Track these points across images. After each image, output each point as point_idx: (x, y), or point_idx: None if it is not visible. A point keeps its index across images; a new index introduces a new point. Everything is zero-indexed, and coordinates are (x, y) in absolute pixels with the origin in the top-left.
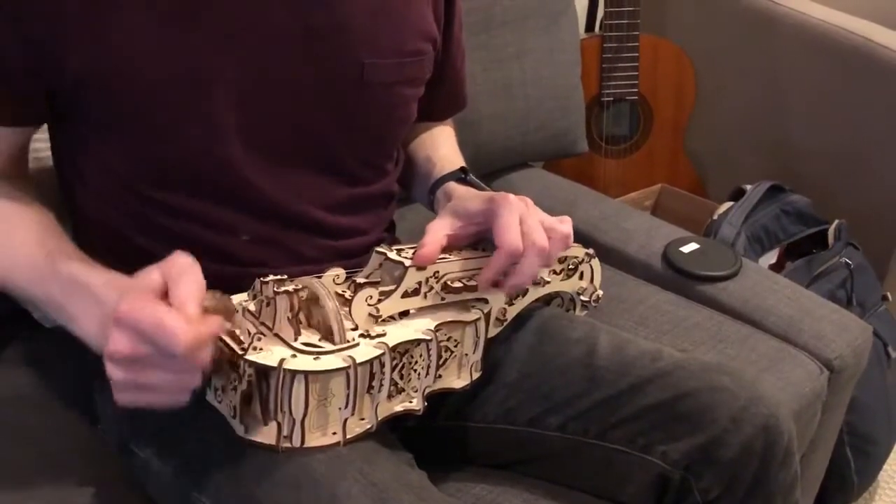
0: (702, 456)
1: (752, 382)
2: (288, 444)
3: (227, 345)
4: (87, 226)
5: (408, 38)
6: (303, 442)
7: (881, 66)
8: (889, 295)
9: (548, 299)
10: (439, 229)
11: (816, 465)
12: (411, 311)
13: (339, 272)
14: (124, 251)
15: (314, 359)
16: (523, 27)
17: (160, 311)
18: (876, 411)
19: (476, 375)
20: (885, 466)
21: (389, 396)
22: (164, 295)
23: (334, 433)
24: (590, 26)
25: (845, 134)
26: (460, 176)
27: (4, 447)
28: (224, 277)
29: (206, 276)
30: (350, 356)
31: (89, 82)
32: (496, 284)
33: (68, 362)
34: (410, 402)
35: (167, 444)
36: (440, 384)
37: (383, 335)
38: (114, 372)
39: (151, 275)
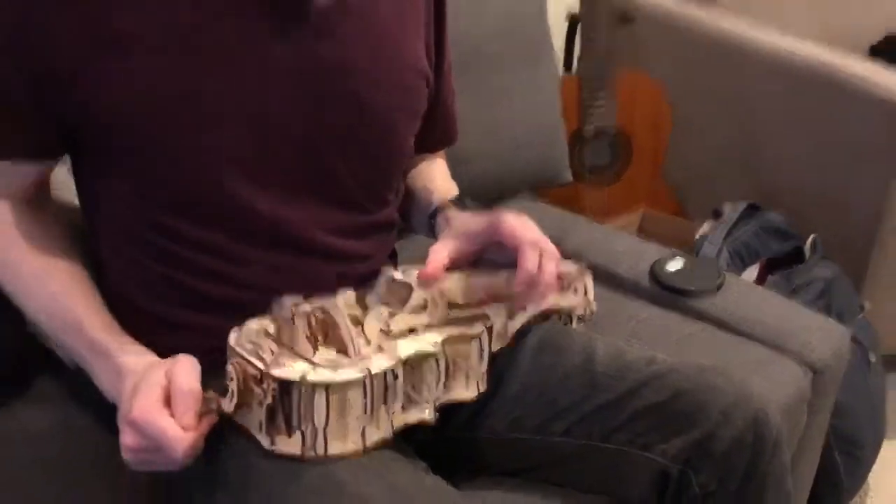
0: (698, 451)
1: (740, 381)
2: (312, 454)
3: (252, 364)
4: (107, 251)
5: (404, 73)
6: (325, 450)
7: (844, 90)
8: (866, 304)
9: (545, 315)
10: (442, 250)
11: (806, 465)
12: (419, 328)
13: (350, 294)
14: (143, 278)
15: (333, 371)
16: (507, 69)
17: (164, 424)
18: (861, 414)
19: (483, 388)
20: (875, 468)
21: (403, 408)
22: (168, 396)
23: (353, 442)
24: (567, 65)
25: (814, 154)
26: (459, 203)
27: (33, 478)
28: (239, 303)
29: (221, 305)
30: (366, 368)
31: (100, 117)
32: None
33: (92, 398)
34: (423, 413)
35: (197, 461)
36: (450, 396)
37: (395, 349)
38: (125, 453)
39: (157, 376)
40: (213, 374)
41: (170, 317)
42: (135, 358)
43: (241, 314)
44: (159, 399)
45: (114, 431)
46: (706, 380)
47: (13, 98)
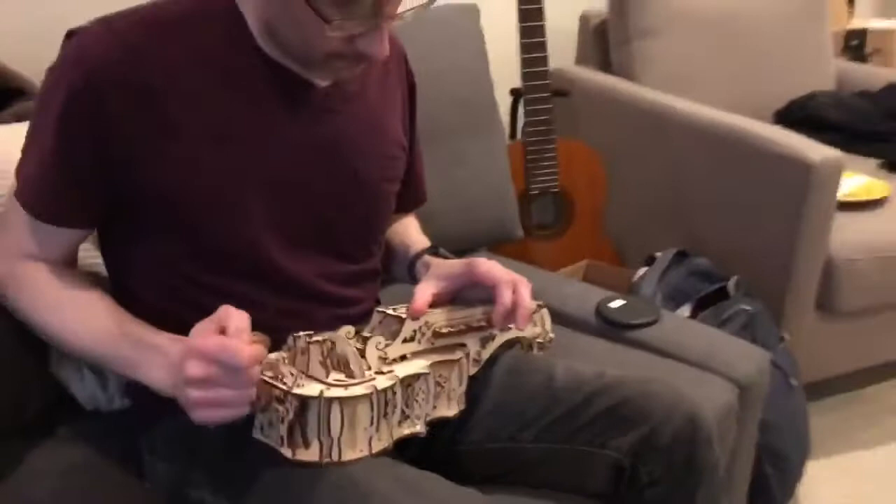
0: (645, 445)
1: (677, 388)
2: (328, 460)
3: (275, 386)
4: (130, 300)
5: (387, 147)
6: (340, 457)
7: (755, 151)
8: (785, 335)
9: (510, 344)
10: (426, 289)
11: (740, 475)
12: (409, 355)
13: (350, 329)
14: (166, 322)
15: (344, 389)
16: (463, 138)
17: (223, 338)
18: (785, 431)
19: (462, 406)
20: (803, 485)
21: (399, 422)
22: (221, 332)
23: (361, 451)
24: (512, 134)
25: (732, 206)
26: (434, 251)
27: None
28: None
29: None
30: (372, 385)
31: (154, 193)
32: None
33: (112, 437)
34: (415, 426)
35: (219, 478)
36: (436, 413)
37: (393, 371)
38: (192, 393)
39: (206, 322)
40: None
41: None
42: (179, 340)
43: None
44: (214, 331)
45: (127, 464)
46: (649, 387)
47: (81, 176)
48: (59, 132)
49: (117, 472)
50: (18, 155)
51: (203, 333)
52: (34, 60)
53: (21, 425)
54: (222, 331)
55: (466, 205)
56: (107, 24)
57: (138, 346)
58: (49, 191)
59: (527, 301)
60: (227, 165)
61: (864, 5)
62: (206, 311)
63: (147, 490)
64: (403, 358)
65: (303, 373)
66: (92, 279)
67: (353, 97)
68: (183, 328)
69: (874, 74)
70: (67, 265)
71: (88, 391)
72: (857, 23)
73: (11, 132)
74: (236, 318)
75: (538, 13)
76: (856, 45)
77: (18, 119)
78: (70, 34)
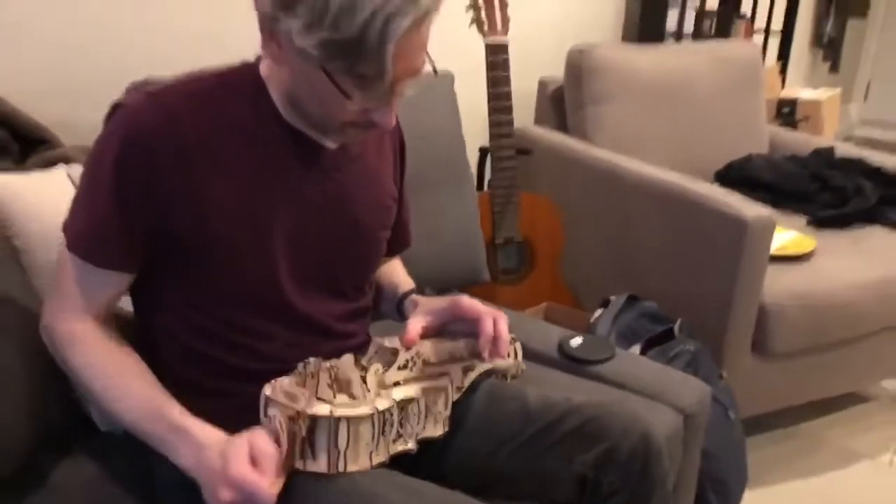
0: (605, 460)
1: (633, 410)
2: (335, 470)
3: (290, 407)
4: (157, 334)
5: (382, 199)
6: (345, 468)
7: (696, 207)
8: (724, 373)
9: (488, 374)
10: (416, 323)
11: (685, 496)
12: (402, 381)
13: (351, 357)
14: (188, 354)
15: (350, 409)
16: (439, 190)
17: (258, 479)
18: (725, 460)
19: (446, 428)
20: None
21: (394, 440)
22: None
23: (362, 464)
24: (479, 186)
25: (677, 255)
26: (420, 290)
27: None
28: (261, 373)
29: (248, 374)
30: (374, 406)
31: (183, 238)
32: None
33: (125, 455)
34: (406, 444)
35: None
36: (425, 433)
37: (390, 394)
38: None
39: (242, 442)
40: (244, 429)
41: (205, 383)
42: (212, 434)
43: (261, 381)
44: (248, 461)
45: (140, 481)
46: (608, 409)
47: (131, 224)
48: (112, 188)
49: (131, 486)
50: (47, 197)
51: (238, 462)
52: (56, 115)
53: (43, 442)
54: (255, 462)
55: (442, 250)
56: (152, 96)
57: (173, 431)
58: (104, 239)
59: (506, 332)
60: (250, 217)
61: (795, 77)
62: (224, 341)
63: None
64: (397, 384)
65: (313, 395)
66: (133, 352)
67: (356, 157)
68: (202, 358)
69: (803, 140)
70: (110, 323)
71: (104, 413)
72: (788, 92)
73: (40, 178)
74: (269, 458)
75: (506, 80)
76: (787, 112)
77: (44, 166)
78: (116, 106)
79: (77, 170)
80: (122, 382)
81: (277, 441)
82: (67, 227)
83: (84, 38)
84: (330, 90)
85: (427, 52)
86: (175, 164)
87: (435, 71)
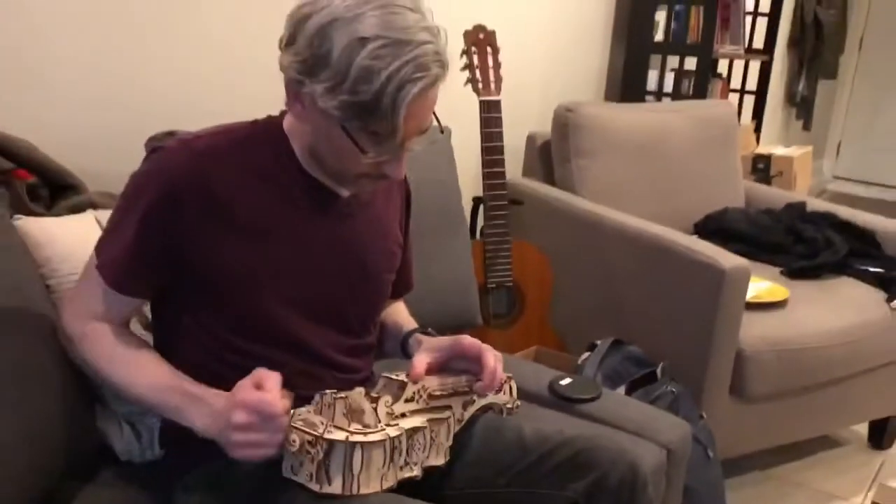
0: (596, 488)
1: (621, 442)
2: (349, 492)
3: (308, 433)
4: (172, 356)
5: (388, 243)
6: (358, 490)
7: (676, 256)
8: (704, 414)
9: (485, 409)
10: (422, 359)
11: None
12: (408, 413)
13: (362, 390)
14: (202, 378)
15: (364, 436)
16: (437, 237)
17: (262, 393)
18: (705, 496)
19: (448, 457)
20: None
21: (401, 466)
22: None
23: (374, 487)
24: (472, 234)
25: (658, 303)
26: (424, 330)
27: None
28: None
29: None
30: (386, 434)
31: (205, 275)
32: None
33: (144, 483)
34: (412, 471)
35: None
36: (428, 462)
37: (399, 424)
38: (235, 437)
39: (246, 380)
40: None
41: None
42: (221, 395)
43: None
44: (253, 388)
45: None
46: (599, 442)
47: (154, 262)
48: (140, 228)
49: None
50: (77, 240)
51: (245, 389)
52: (80, 164)
53: (67, 471)
54: (259, 387)
55: (437, 294)
56: (186, 144)
57: (186, 398)
58: (128, 271)
59: (500, 370)
60: (270, 257)
61: (769, 134)
62: (237, 367)
63: None
64: (404, 414)
65: (330, 422)
66: (145, 342)
67: (366, 205)
68: (215, 380)
69: (777, 194)
70: (125, 326)
71: (125, 443)
72: (762, 149)
73: (71, 222)
74: (272, 378)
75: (499, 135)
76: (762, 168)
77: (73, 210)
78: (155, 149)
79: (103, 214)
80: (137, 364)
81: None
82: (99, 250)
83: (109, 92)
84: (347, 145)
85: (434, 112)
86: (202, 208)
87: (441, 129)
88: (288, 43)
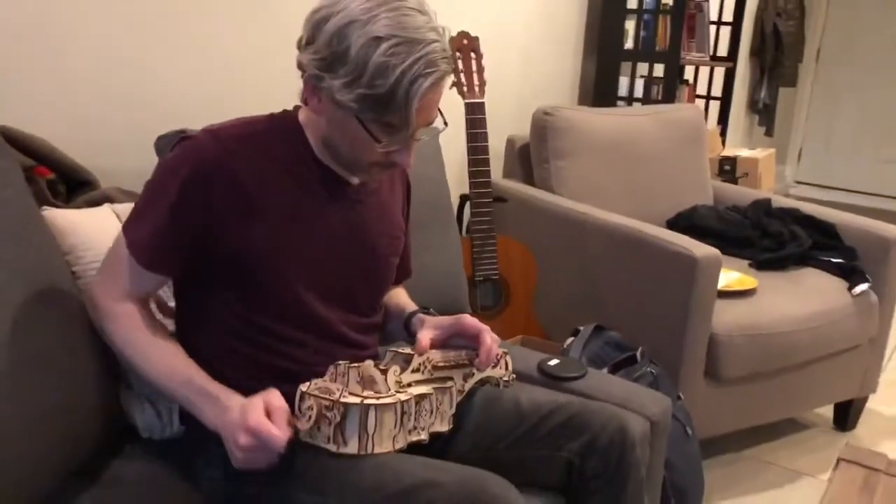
0: (588, 448)
1: (610, 407)
2: (364, 452)
3: (325, 398)
4: (197, 334)
5: (393, 228)
6: (373, 450)
7: (652, 249)
8: (681, 394)
9: (483, 382)
10: (426, 334)
11: (652, 495)
12: (414, 383)
13: (371, 361)
14: (226, 355)
15: (377, 399)
16: (429, 232)
17: (271, 428)
18: (685, 471)
19: (451, 425)
20: None
21: (410, 430)
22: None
23: (387, 447)
24: (459, 230)
25: (635, 291)
26: (425, 310)
27: None
28: (292, 374)
29: (280, 374)
30: (397, 397)
31: (230, 256)
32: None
33: (167, 457)
34: (420, 435)
35: (275, 473)
36: (433, 428)
37: (408, 390)
38: (237, 453)
39: (258, 401)
40: None
41: (242, 383)
42: (233, 396)
43: (291, 381)
44: (263, 413)
45: (182, 477)
46: (590, 406)
47: (185, 242)
48: (172, 210)
49: (176, 481)
50: (98, 230)
51: (255, 412)
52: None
53: (99, 443)
54: (268, 413)
55: (431, 285)
56: (212, 133)
57: (200, 395)
58: (160, 249)
59: (496, 347)
60: (288, 240)
61: (733, 141)
62: (259, 345)
63: (201, 494)
64: (410, 384)
65: (345, 388)
66: (168, 331)
67: (374, 192)
68: (236, 357)
69: (744, 192)
70: (149, 303)
71: (147, 420)
72: (728, 152)
73: (90, 214)
74: (280, 412)
75: (484, 136)
76: (728, 169)
77: (89, 205)
78: (183, 138)
79: (119, 208)
80: (157, 354)
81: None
82: (129, 231)
83: (119, 93)
84: (362, 135)
85: (439, 108)
86: (228, 192)
87: (445, 123)
88: (307, 42)
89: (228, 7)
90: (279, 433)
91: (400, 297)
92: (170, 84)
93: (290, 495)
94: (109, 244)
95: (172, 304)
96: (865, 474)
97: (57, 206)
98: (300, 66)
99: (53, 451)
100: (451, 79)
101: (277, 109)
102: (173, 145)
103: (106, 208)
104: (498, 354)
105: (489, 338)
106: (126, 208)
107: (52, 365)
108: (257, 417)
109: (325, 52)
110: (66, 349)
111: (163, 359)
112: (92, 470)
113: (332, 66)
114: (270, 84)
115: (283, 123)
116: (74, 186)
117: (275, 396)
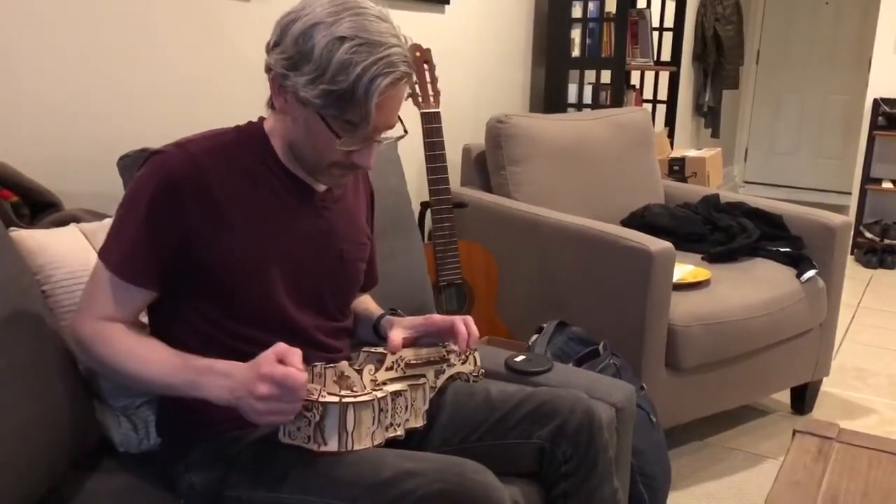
0: (558, 433)
1: (577, 393)
2: (344, 449)
3: (305, 399)
4: (173, 345)
5: (359, 234)
6: (352, 447)
7: (608, 246)
8: (644, 385)
9: (453, 378)
10: (398, 334)
11: (622, 479)
12: (388, 381)
13: (346, 362)
14: None
15: (355, 398)
16: (393, 239)
17: (288, 368)
18: (652, 457)
19: (424, 421)
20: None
21: (387, 427)
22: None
23: (366, 444)
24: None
25: (594, 287)
26: (393, 311)
27: None
28: None
29: None
30: (374, 395)
31: (203, 265)
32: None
33: (144, 469)
34: (396, 431)
35: (256, 476)
36: (409, 424)
37: (383, 388)
38: (257, 405)
39: (267, 352)
40: (253, 425)
41: None
42: (235, 363)
43: None
44: (276, 361)
45: (161, 490)
46: (558, 393)
47: (161, 253)
48: (146, 222)
49: (154, 494)
50: (66, 249)
51: (269, 363)
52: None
53: (75, 459)
54: (282, 361)
55: (396, 291)
56: (181, 147)
57: (202, 372)
58: (140, 260)
59: (474, 326)
60: (258, 248)
61: (681, 143)
62: (233, 352)
63: (181, 503)
64: (385, 382)
65: (323, 389)
66: (147, 331)
67: (339, 199)
68: None
69: (693, 190)
70: (135, 325)
71: (123, 434)
72: (676, 153)
73: (57, 234)
74: (295, 354)
75: (441, 144)
76: (677, 169)
77: (55, 225)
78: (153, 153)
79: (87, 227)
80: (147, 354)
81: None
82: (107, 252)
83: (79, 116)
84: (323, 131)
85: (399, 116)
86: (199, 204)
87: (405, 130)
88: (275, 44)
89: (183, 27)
90: (298, 371)
91: (367, 303)
92: (130, 103)
93: (273, 496)
94: (78, 261)
95: (145, 319)
96: (819, 443)
97: (22, 228)
98: (268, 67)
99: (29, 467)
100: (410, 85)
101: (235, 124)
102: (143, 161)
103: (73, 227)
104: (475, 338)
105: (462, 325)
106: (93, 227)
107: (26, 381)
108: (272, 364)
109: (292, 51)
110: (38, 366)
111: (153, 354)
112: (69, 485)
113: (298, 65)
114: (227, 100)
115: (250, 134)
116: (39, 209)
117: (283, 346)
